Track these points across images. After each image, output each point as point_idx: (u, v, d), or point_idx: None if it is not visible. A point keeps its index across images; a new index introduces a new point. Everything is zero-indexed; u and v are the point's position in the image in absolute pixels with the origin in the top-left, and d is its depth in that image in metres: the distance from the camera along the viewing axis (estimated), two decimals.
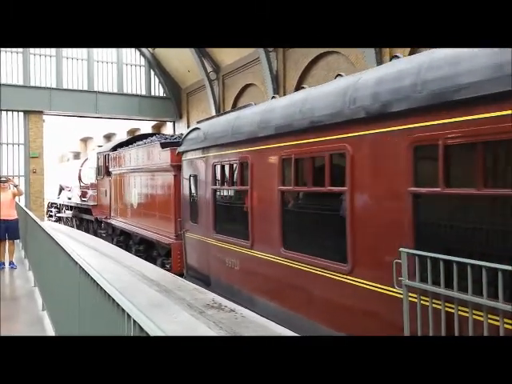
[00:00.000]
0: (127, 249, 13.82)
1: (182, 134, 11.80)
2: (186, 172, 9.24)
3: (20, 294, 7.92)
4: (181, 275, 9.53)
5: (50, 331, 5.57)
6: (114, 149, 15.69)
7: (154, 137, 13.28)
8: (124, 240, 14.60)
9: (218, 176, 7.76)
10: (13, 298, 7.81)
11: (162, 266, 10.83)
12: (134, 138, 15.80)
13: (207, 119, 9.42)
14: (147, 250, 12.45)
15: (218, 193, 7.95)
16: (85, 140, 41.89)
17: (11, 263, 10.00)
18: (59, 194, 25.11)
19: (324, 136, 5.13)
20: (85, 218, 19.86)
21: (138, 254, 12.70)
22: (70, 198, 22.66)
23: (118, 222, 14.92)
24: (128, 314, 2.20)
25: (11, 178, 12.90)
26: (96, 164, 17.50)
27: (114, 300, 2.46)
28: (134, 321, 2.11)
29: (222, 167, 7.67)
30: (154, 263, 11.31)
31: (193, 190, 8.97)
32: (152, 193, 11.98)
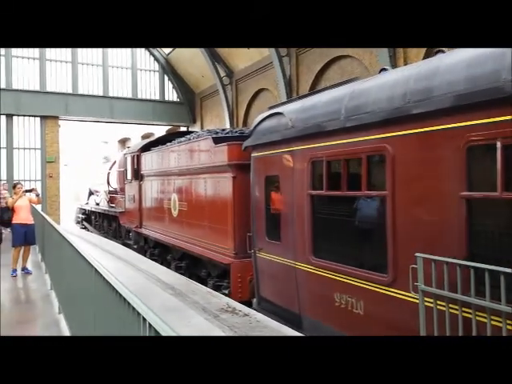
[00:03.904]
0: (164, 264, 12.02)
1: (233, 129, 10.25)
2: (260, 172, 7.15)
3: (37, 297, 8.02)
4: (246, 303, 7.67)
5: (66, 334, 5.63)
6: (145, 148, 13.80)
7: (199, 132, 11.49)
8: (160, 253, 12.84)
9: (321, 176, 5.62)
10: (29, 301, 7.92)
11: (216, 290, 8.82)
12: (165, 137, 14.06)
13: (283, 103, 7.27)
14: (191, 267, 10.71)
15: (319, 200, 5.77)
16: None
17: (25, 269, 10.09)
18: (88, 198, 24.18)
19: None
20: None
21: (178, 271, 10.94)
22: (98, 204, 21.63)
23: (151, 232, 13.08)
24: (143, 318, 2.22)
25: (35, 188, 13.05)
26: (123, 166, 15.72)
27: (129, 303, 2.47)
28: (150, 324, 2.12)
29: (328, 164, 5.49)
30: (203, 284, 9.48)
31: (271, 196, 6.93)
32: (200, 198, 9.91)
